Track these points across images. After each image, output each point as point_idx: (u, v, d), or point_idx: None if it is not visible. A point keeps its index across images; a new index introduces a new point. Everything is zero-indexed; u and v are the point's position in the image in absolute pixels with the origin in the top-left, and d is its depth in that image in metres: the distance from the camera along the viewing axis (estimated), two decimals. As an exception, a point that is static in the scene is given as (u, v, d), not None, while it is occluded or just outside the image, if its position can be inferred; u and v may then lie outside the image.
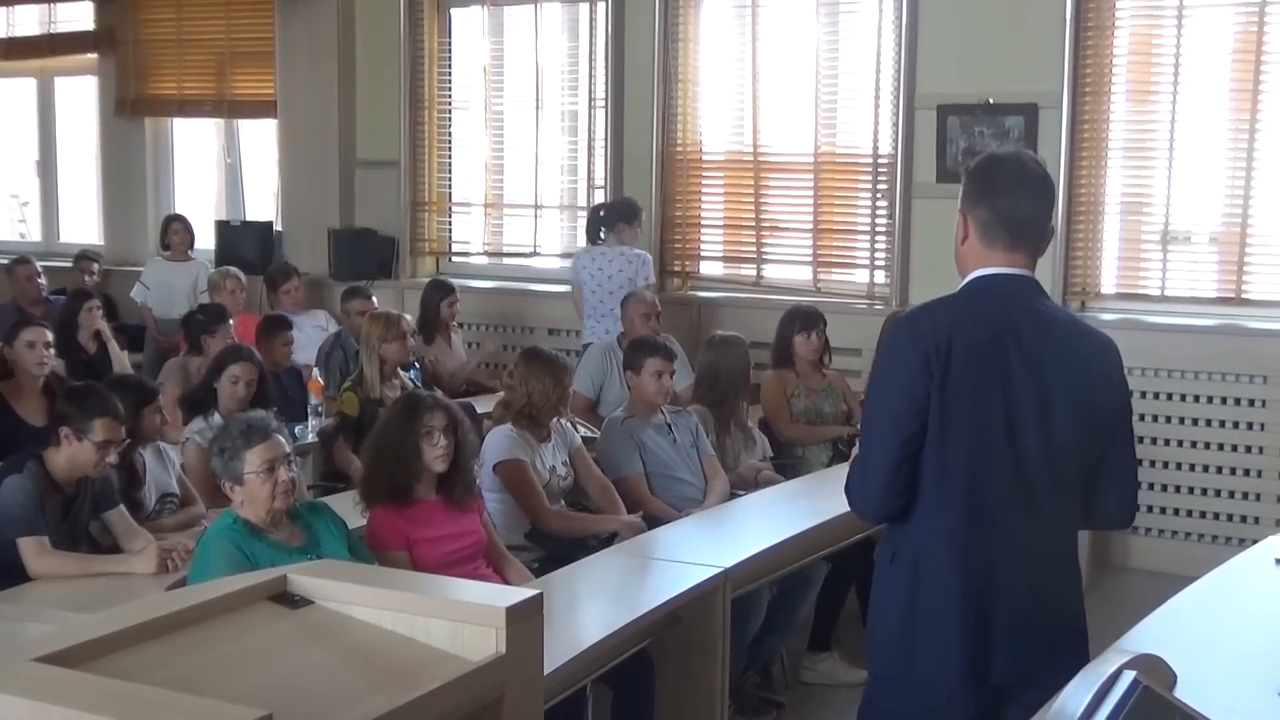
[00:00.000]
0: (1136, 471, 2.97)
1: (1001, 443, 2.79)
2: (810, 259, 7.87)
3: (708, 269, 8.27)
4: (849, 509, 2.99)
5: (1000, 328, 2.82)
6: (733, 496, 5.44)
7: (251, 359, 5.56)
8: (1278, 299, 6.82)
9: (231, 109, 9.69)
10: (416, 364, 7.17)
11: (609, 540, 4.76)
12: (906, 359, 2.80)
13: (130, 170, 10.05)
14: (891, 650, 2.93)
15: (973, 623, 2.82)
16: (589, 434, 5.98)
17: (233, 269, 8.14)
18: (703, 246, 8.25)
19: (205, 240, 9.25)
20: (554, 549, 4.83)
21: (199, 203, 9.95)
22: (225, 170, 10.09)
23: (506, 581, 4.27)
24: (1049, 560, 2.87)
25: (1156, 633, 3.19)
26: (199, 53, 9.73)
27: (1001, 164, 2.91)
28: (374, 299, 7.45)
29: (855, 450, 3.10)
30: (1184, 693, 2.14)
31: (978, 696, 2.83)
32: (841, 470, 5.58)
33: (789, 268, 8.01)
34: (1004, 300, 2.86)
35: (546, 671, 2.83)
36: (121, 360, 7.47)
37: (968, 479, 2.80)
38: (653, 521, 5.07)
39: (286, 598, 2.41)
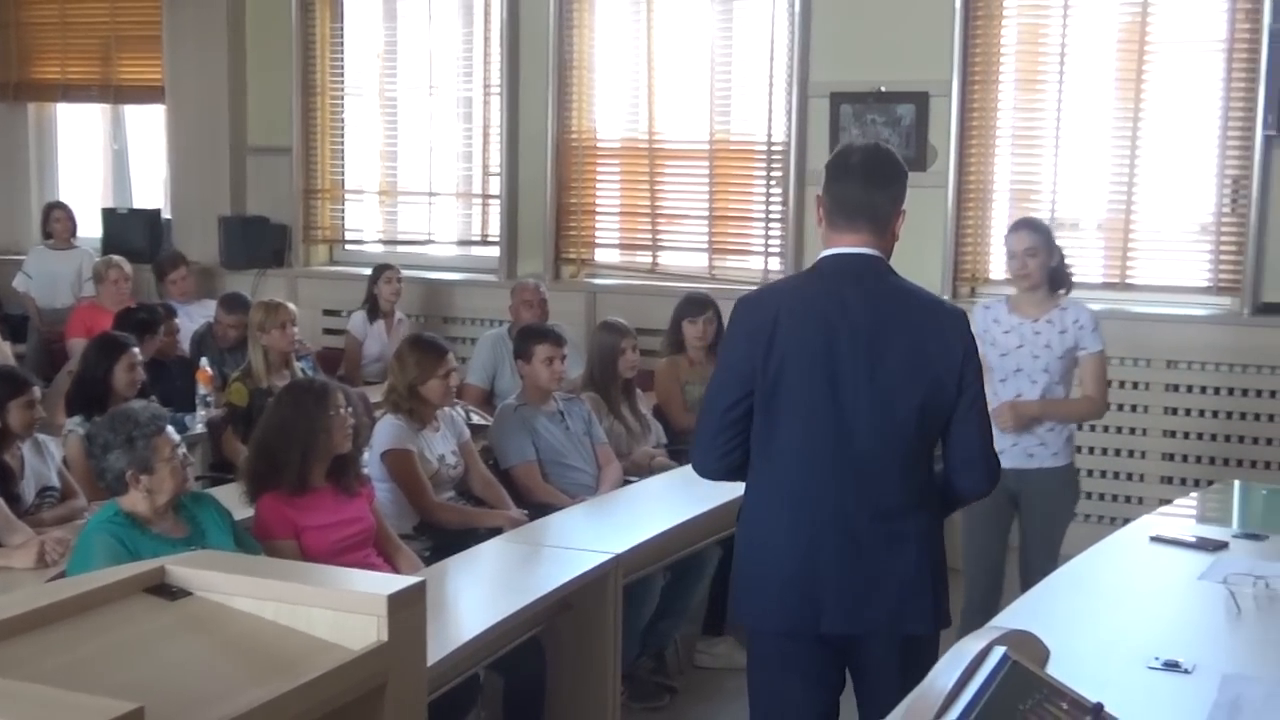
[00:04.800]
0: (989, 441, 3.09)
1: (826, 405, 2.97)
2: (706, 246, 7.90)
3: (603, 256, 8.28)
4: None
5: (827, 302, 3.01)
6: (626, 483, 5.45)
7: (130, 344, 5.46)
8: (1161, 284, 6.99)
9: (118, 94, 9.46)
10: (309, 356, 7.05)
11: (495, 532, 4.74)
12: (735, 333, 3.11)
13: (13, 157, 9.78)
14: (736, 604, 3.15)
15: (792, 574, 2.99)
16: (484, 422, 5.97)
17: (116, 258, 7.91)
18: (598, 234, 8.25)
19: (92, 228, 9.06)
20: (444, 538, 4.80)
21: (85, 190, 9.72)
22: (112, 157, 9.87)
23: (397, 570, 4.24)
24: (881, 517, 3.00)
25: (1032, 609, 3.27)
26: (84, 36, 9.49)
27: (846, 154, 3.14)
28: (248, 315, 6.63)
29: None
30: (1056, 668, 2.18)
31: (815, 647, 3.02)
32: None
33: (685, 254, 8.04)
34: (839, 277, 3.05)
35: (435, 659, 2.83)
36: (3, 351, 7.28)
37: (789, 438, 3.00)
38: (545, 508, 5.06)
39: (164, 589, 2.37)
